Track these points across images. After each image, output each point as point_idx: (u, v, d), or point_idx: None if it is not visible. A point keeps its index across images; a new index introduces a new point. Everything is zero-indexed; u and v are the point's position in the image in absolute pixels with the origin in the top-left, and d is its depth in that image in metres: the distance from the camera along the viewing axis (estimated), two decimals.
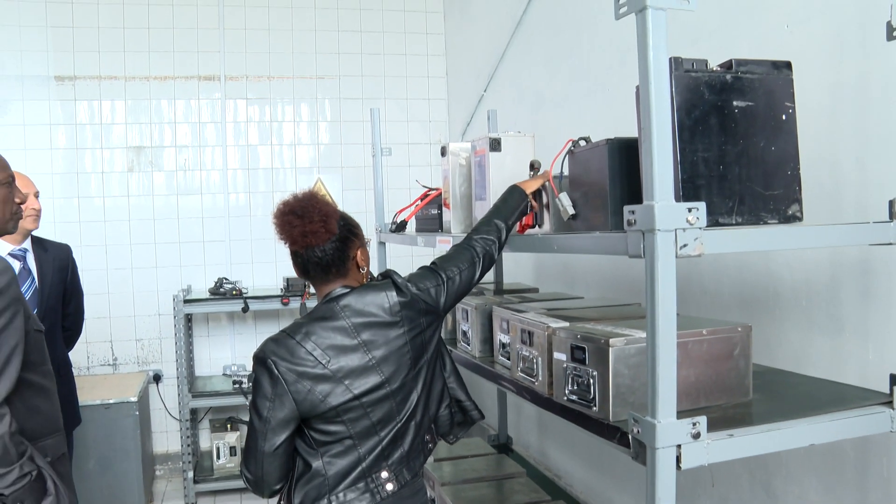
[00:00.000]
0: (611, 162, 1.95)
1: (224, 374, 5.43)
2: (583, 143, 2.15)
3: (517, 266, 4.35)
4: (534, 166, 2.41)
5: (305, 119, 5.73)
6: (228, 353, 5.57)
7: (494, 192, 2.45)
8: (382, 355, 1.99)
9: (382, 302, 2.02)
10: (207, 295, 5.13)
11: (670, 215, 1.42)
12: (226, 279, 5.19)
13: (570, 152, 2.18)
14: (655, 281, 1.42)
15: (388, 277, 2.10)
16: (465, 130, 5.41)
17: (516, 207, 2.29)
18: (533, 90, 4.32)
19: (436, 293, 2.10)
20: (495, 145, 2.57)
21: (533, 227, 2.35)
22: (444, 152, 2.92)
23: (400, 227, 3.57)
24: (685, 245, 1.44)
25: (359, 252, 2.13)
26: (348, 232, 2.10)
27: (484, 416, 2.29)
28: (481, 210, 2.50)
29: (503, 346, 2.37)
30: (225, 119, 5.57)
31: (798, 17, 2.29)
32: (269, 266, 5.62)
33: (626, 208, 1.49)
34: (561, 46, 3.92)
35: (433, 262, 2.19)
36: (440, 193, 3.11)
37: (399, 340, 2.01)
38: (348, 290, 2.05)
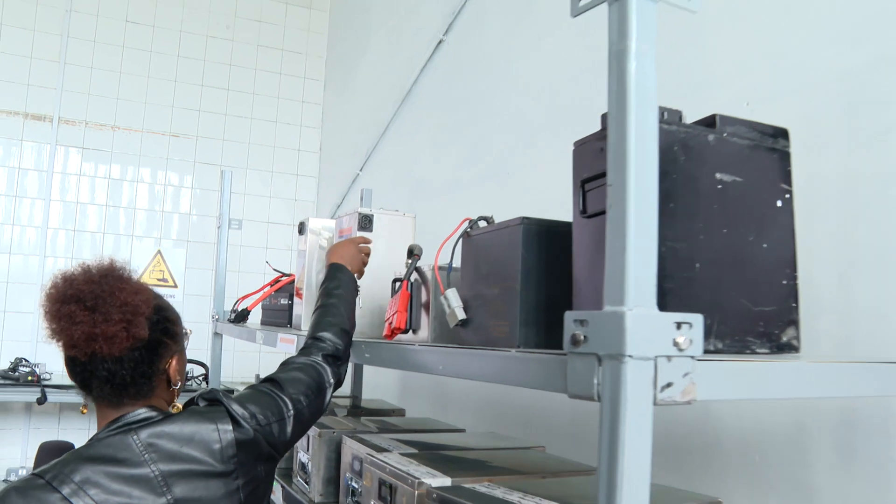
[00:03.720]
0: (525, 251, 1.37)
1: (5, 481, 4.38)
2: (483, 223, 1.57)
3: (377, 374, 3.63)
4: (413, 252, 1.81)
5: (151, 180, 4.97)
6: (18, 453, 4.53)
7: (362, 284, 1.86)
8: None
9: (210, 441, 1.31)
10: None
11: (651, 332, 0.83)
12: (25, 360, 4.25)
13: (465, 234, 1.60)
14: (619, 441, 0.81)
15: (216, 401, 1.39)
16: (334, 213, 4.78)
17: (353, 299, 1.75)
18: (416, 171, 3.77)
19: (279, 430, 1.41)
20: (366, 223, 2.04)
21: (405, 331, 1.72)
22: (302, 229, 2.37)
23: (240, 316, 2.90)
24: (670, 384, 0.85)
25: (174, 361, 1.43)
26: (162, 333, 1.40)
27: None
28: None
29: (353, 493, 1.69)
30: (52, 168, 4.72)
31: (761, 94, 1.84)
32: None
33: (571, 315, 0.89)
34: (452, 124, 3.40)
35: (272, 378, 1.50)
36: (293, 280, 2.52)
37: (227, 500, 1.30)
38: (153, 415, 1.34)
